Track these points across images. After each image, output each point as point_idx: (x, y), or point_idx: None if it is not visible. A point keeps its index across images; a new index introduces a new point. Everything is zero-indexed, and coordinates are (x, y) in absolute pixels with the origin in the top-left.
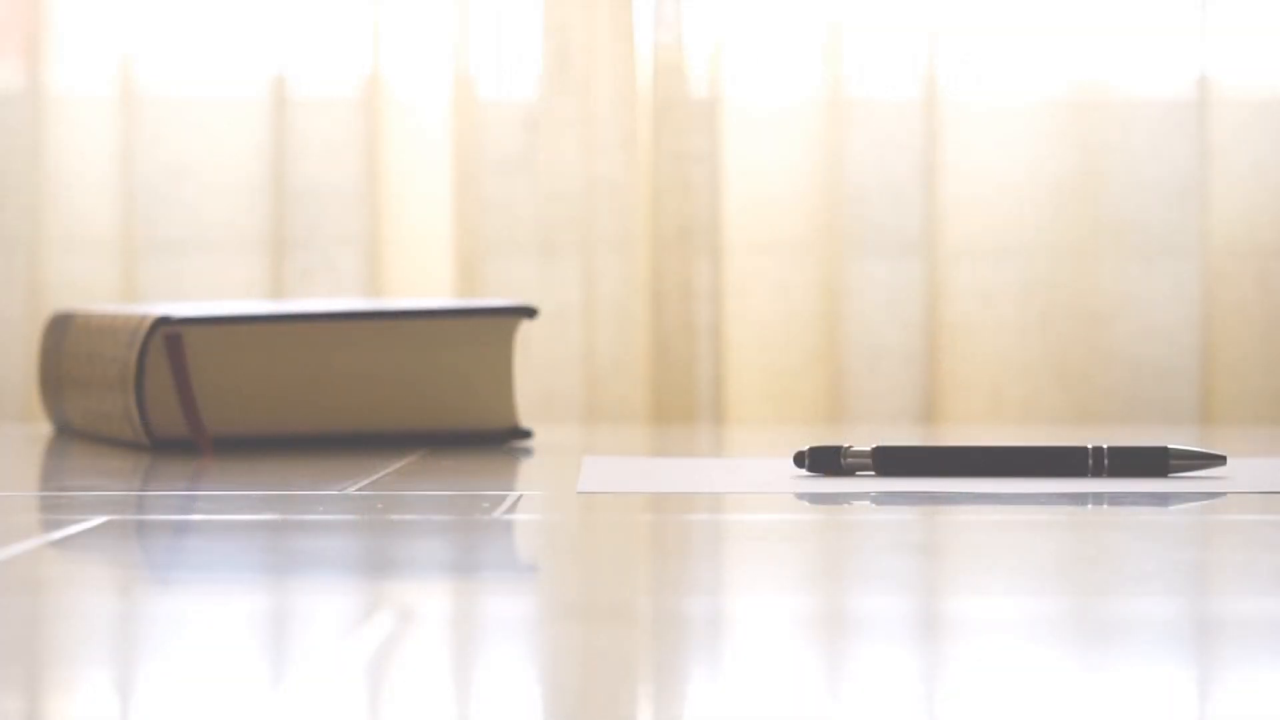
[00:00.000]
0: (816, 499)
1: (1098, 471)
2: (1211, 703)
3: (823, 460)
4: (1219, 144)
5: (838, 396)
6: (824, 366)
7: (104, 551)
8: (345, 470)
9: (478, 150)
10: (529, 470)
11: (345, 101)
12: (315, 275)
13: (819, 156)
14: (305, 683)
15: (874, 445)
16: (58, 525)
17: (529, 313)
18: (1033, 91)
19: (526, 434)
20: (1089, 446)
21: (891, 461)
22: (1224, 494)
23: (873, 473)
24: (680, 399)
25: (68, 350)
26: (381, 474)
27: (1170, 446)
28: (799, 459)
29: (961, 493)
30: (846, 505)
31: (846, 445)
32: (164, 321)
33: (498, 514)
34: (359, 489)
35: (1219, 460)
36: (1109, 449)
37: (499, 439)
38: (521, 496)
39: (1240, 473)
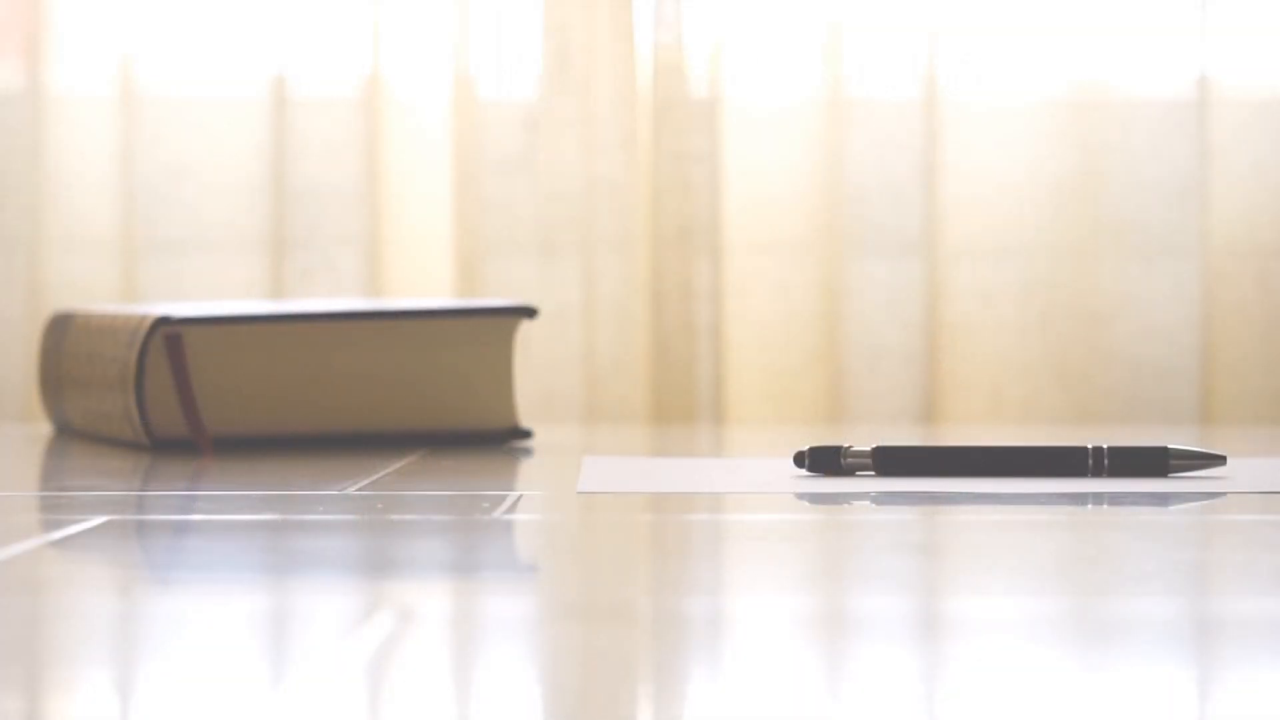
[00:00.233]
0: (816, 499)
1: (1098, 471)
2: (1211, 703)
3: (823, 460)
4: (1219, 144)
5: (838, 396)
6: (824, 366)
7: (104, 551)
8: (345, 470)
9: (478, 150)
10: (529, 470)
11: (345, 101)
12: (315, 275)
13: (819, 156)
14: (305, 683)
15: (874, 445)
16: (58, 525)
17: (529, 313)
18: (1033, 91)
19: (526, 434)
20: (1089, 446)
21: (891, 461)
22: (1224, 494)
23: (873, 473)
24: (680, 399)
25: (68, 350)
26: (381, 474)
27: (1170, 446)
28: (799, 459)
29: (961, 493)
30: (846, 505)
31: (846, 445)
32: (164, 321)
33: (498, 514)
34: (359, 489)
35: (1219, 460)
36: (1109, 449)
37: (499, 439)
38: (521, 496)
39: (1240, 473)
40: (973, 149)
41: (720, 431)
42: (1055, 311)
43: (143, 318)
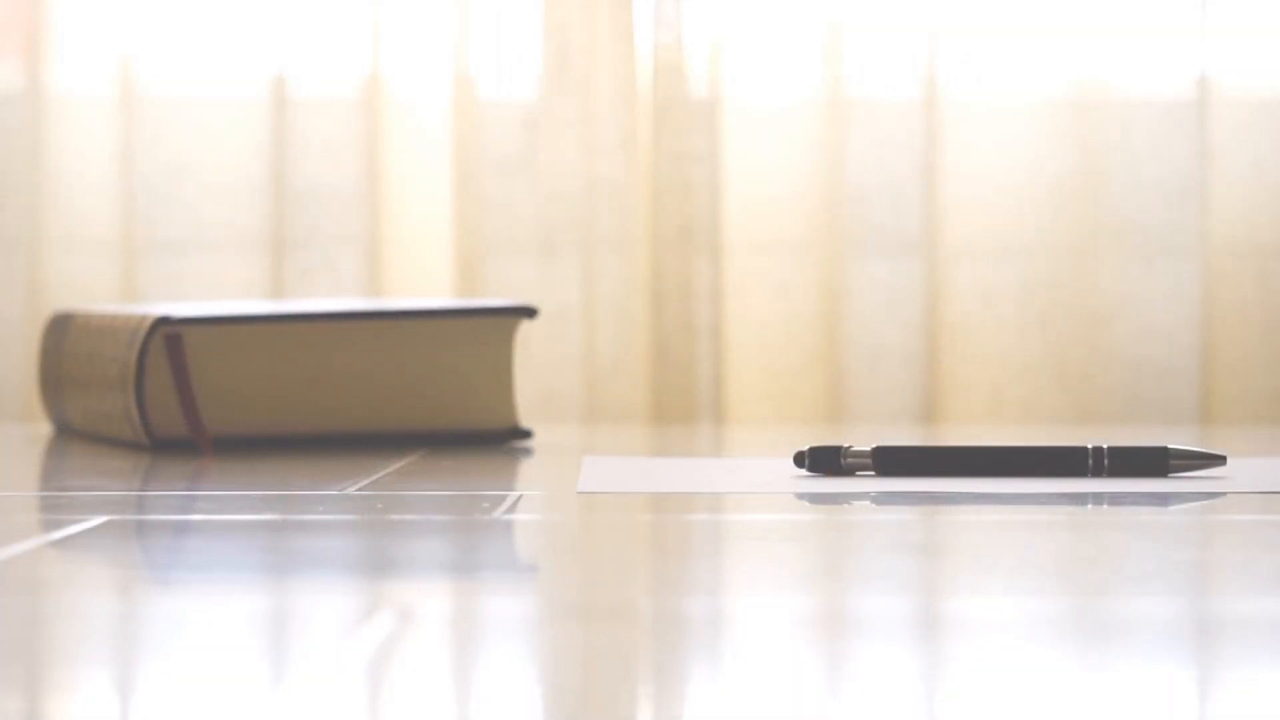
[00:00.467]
0: (816, 499)
1: (1098, 471)
2: (1211, 703)
3: (823, 460)
4: (1219, 144)
5: (838, 396)
6: (824, 366)
7: (104, 551)
8: (345, 470)
9: (478, 150)
10: (529, 470)
11: (345, 101)
12: (315, 275)
13: (819, 156)
14: (305, 683)
15: (874, 445)
16: (58, 525)
17: (529, 313)
18: (1033, 91)
19: (526, 434)
20: (1089, 446)
21: (891, 461)
22: (1224, 494)
23: (873, 473)
24: (680, 399)
25: (68, 350)
26: (381, 474)
27: (1170, 446)
28: (799, 459)
29: (961, 493)
30: (846, 505)
31: (846, 445)
32: (164, 321)
33: (498, 514)
34: (359, 489)
35: (1219, 460)
36: (1109, 449)
37: (499, 439)
38: (521, 496)
39: (1240, 473)
40: (973, 149)
41: (720, 431)
42: (1055, 311)
43: (143, 318)
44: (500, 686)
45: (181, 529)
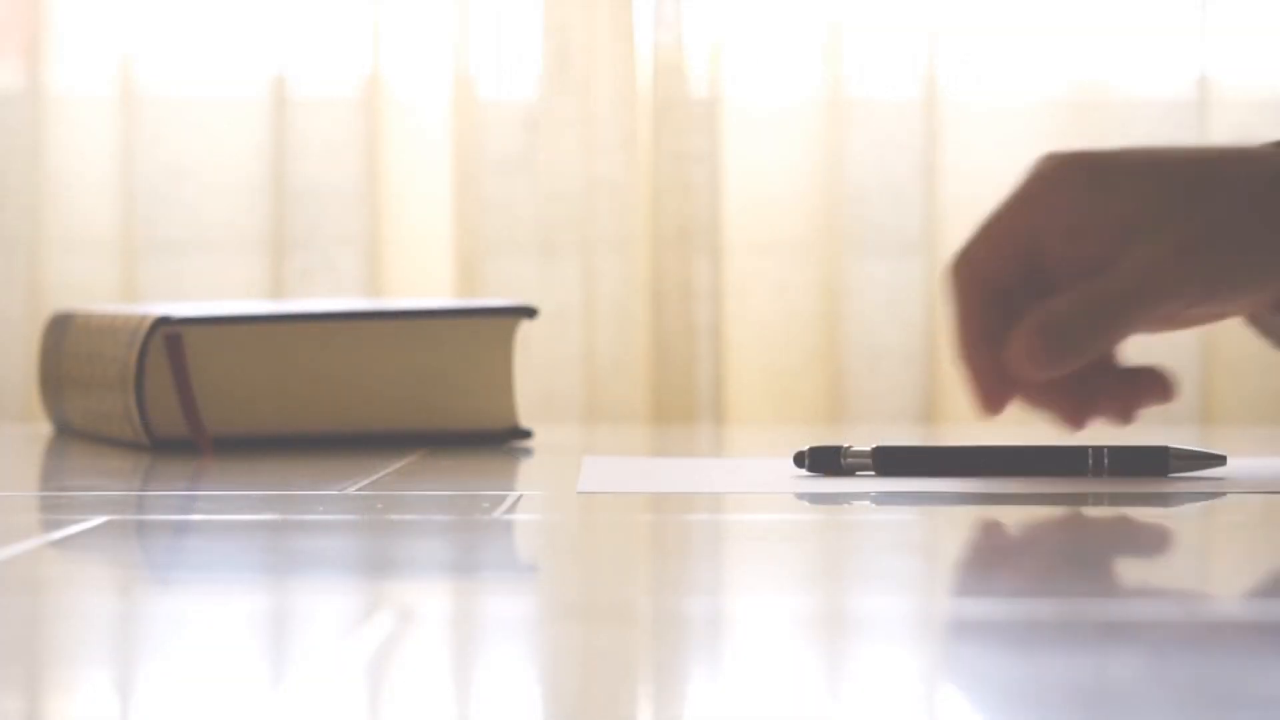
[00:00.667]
0: (816, 499)
1: (1098, 471)
2: (1212, 702)
3: (823, 460)
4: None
5: (838, 396)
6: (824, 366)
7: (104, 551)
8: (345, 470)
9: (478, 150)
10: (529, 470)
11: (345, 101)
12: (315, 275)
13: (819, 156)
14: (305, 683)
15: (874, 445)
16: (58, 525)
17: (529, 313)
18: (1033, 91)
19: (526, 434)
20: (1089, 446)
21: (891, 461)
22: (1224, 494)
23: (873, 473)
24: (680, 399)
25: (68, 350)
26: (381, 474)
27: (1170, 446)
28: (799, 459)
29: (961, 493)
30: (846, 505)
31: (846, 445)
32: (164, 321)
33: (498, 514)
34: (359, 489)
35: (1219, 460)
36: (1109, 449)
37: (499, 439)
38: (521, 496)
39: (1240, 472)
40: (973, 149)
41: (720, 431)
42: None
43: (143, 318)
44: (500, 686)
45: (181, 529)
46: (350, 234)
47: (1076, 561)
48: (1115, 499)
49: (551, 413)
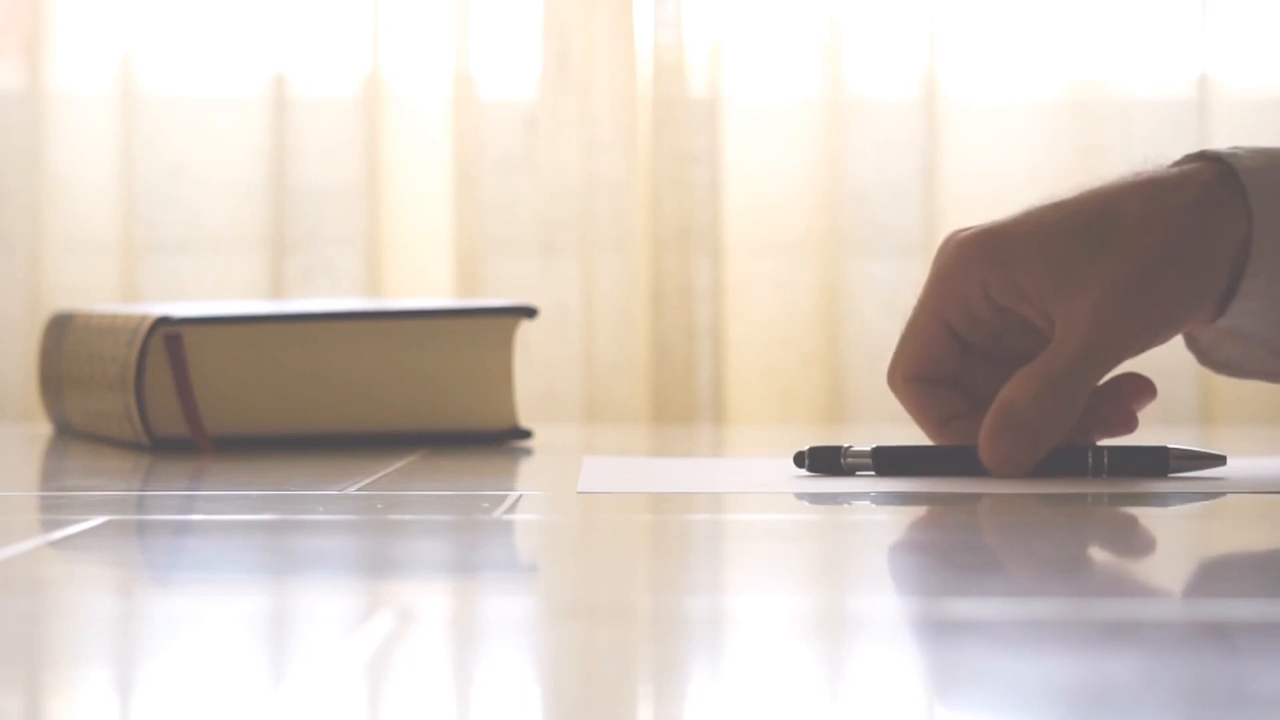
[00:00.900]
0: (816, 499)
1: (1098, 472)
2: (1212, 702)
3: (823, 460)
4: (1219, 144)
5: (838, 396)
6: (824, 366)
7: (104, 551)
8: (345, 470)
9: (478, 150)
10: (529, 470)
11: (345, 101)
12: (315, 275)
13: (819, 156)
14: (305, 683)
15: (874, 445)
16: (58, 525)
17: (529, 313)
18: (1032, 91)
19: (526, 434)
20: (1089, 447)
21: (891, 461)
22: (1224, 494)
23: (873, 472)
24: (680, 399)
25: (68, 350)
26: (381, 474)
27: (1170, 447)
28: (799, 459)
29: (962, 493)
30: (846, 505)
31: (846, 446)
32: (164, 321)
33: (498, 514)
34: (359, 489)
35: (1219, 460)
36: (1109, 449)
37: (499, 439)
38: (521, 496)
39: (1240, 472)
40: (973, 149)
41: (720, 431)
42: None
43: (143, 318)
44: (500, 686)
45: (181, 529)
46: (350, 234)
47: (1076, 561)
48: (1115, 499)
49: (551, 413)
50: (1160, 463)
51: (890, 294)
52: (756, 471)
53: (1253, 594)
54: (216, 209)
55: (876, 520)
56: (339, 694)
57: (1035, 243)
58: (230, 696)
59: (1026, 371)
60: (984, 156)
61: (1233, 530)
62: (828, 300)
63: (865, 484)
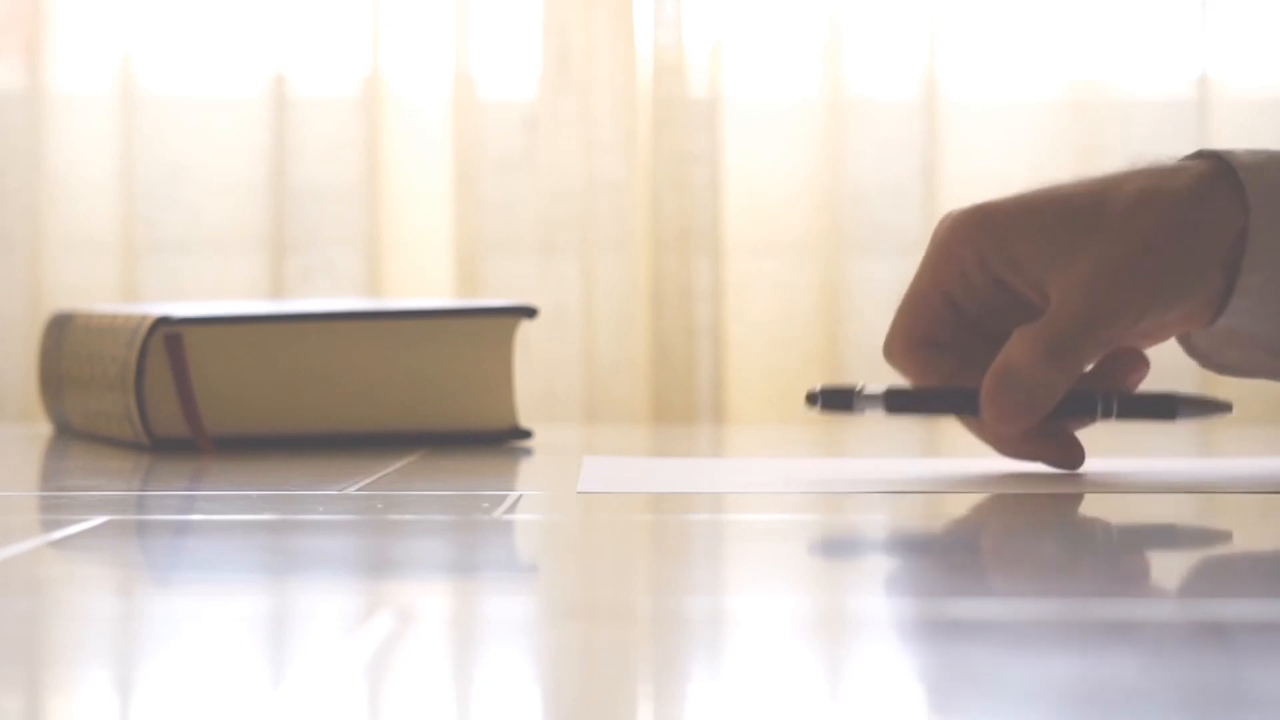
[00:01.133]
0: (817, 499)
1: (1106, 415)
2: (1212, 702)
3: (835, 399)
4: (1219, 144)
5: None
6: (824, 366)
7: (104, 551)
8: (345, 470)
9: (478, 150)
10: (529, 470)
11: (345, 101)
12: (315, 275)
13: (819, 156)
14: (305, 683)
15: (886, 387)
16: (58, 525)
17: (529, 313)
18: (1032, 91)
19: (526, 434)
20: (1098, 391)
21: (902, 401)
22: (1224, 494)
23: (883, 411)
24: (680, 399)
25: (68, 350)
26: (381, 474)
27: (1178, 393)
28: (811, 398)
29: (962, 494)
30: (846, 505)
31: (859, 386)
32: (164, 321)
33: (498, 514)
34: (359, 489)
35: (1225, 407)
36: (1118, 393)
37: (499, 439)
38: (521, 496)
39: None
40: (973, 149)
41: (720, 431)
42: None
43: (143, 318)
44: (500, 686)
45: (181, 529)
46: (350, 234)
47: (1076, 561)
48: (1114, 499)
49: (551, 413)
50: (1168, 408)
51: (890, 294)
52: (756, 471)
53: (1253, 594)
54: (216, 209)
55: (876, 520)
56: (339, 694)
57: (1031, 217)
58: (230, 696)
59: (1026, 331)
60: (984, 156)
61: (1233, 530)
62: (828, 300)
63: (865, 485)
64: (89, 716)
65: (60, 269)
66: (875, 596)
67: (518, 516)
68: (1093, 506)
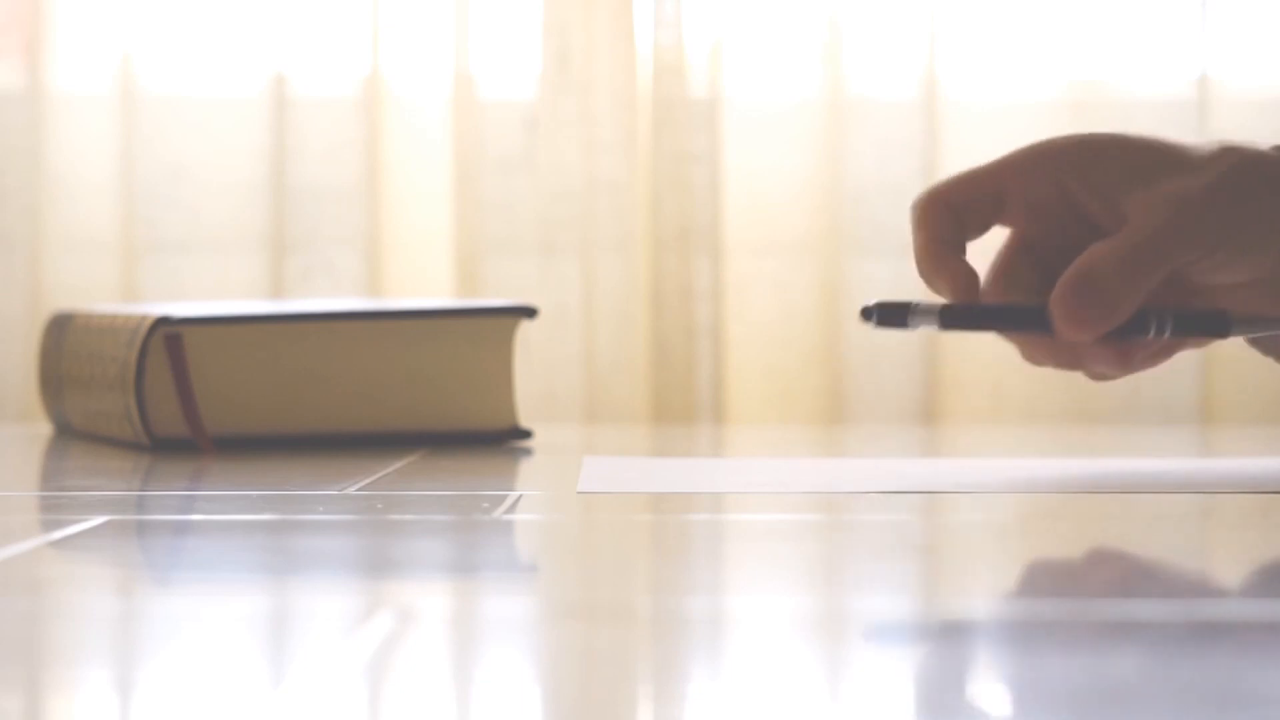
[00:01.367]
0: (817, 499)
1: (1160, 331)
2: (1212, 702)
3: (891, 315)
4: None
5: (838, 396)
6: (824, 366)
7: (104, 551)
8: (345, 470)
9: (478, 150)
10: (529, 470)
11: (345, 101)
12: (315, 275)
13: (819, 156)
14: (305, 683)
15: (942, 304)
16: (58, 525)
17: (529, 313)
18: (1032, 91)
19: (526, 434)
20: (1152, 308)
21: (958, 317)
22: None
23: (938, 326)
24: (680, 399)
25: (68, 350)
26: (381, 474)
27: (1230, 312)
28: (866, 313)
29: (961, 493)
30: (846, 505)
31: (915, 301)
32: (164, 321)
33: (498, 514)
34: (359, 489)
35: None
36: (1172, 310)
37: (499, 439)
38: (521, 496)
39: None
40: (973, 149)
41: (720, 431)
42: None
43: (143, 318)
44: (500, 686)
45: (181, 529)
46: (350, 234)
47: (1076, 561)
48: (1115, 499)
49: (551, 413)
50: (1221, 325)
51: (890, 294)
52: (756, 471)
53: (1253, 594)
54: (216, 209)
55: (876, 520)
56: (339, 694)
57: (1118, 147)
58: (230, 696)
59: (1103, 243)
60: (984, 156)
61: (1233, 530)
62: (828, 300)
63: (864, 484)
64: (89, 716)
65: (60, 269)
66: (875, 596)
67: (518, 516)
68: (1092, 506)
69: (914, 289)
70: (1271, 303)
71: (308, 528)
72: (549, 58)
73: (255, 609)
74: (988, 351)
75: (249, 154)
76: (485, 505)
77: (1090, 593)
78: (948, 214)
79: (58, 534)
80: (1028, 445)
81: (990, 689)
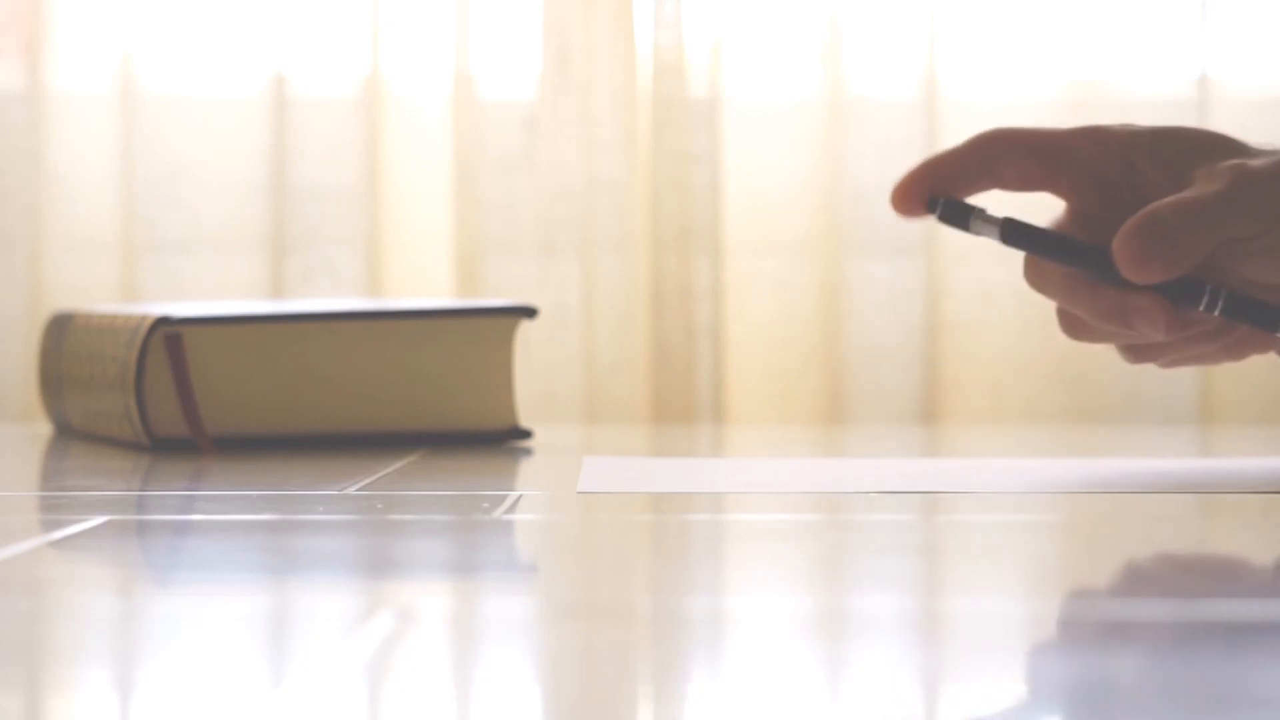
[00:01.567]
0: (817, 499)
1: (1211, 307)
2: (1212, 702)
3: (954, 213)
4: None
5: (838, 396)
6: (824, 366)
7: (104, 551)
8: (345, 470)
9: (478, 150)
10: (529, 470)
11: (345, 101)
12: (315, 275)
13: (819, 156)
14: (305, 683)
15: (1004, 216)
16: (58, 525)
17: (529, 313)
18: (1032, 91)
19: (526, 434)
20: (1208, 284)
21: (1018, 234)
22: (1224, 494)
23: (998, 238)
24: (680, 399)
25: (68, 350)
26: (381, 474)
27: None
28: (932, 205)
29: (961, 493)
30: (846, 505)
31: (981, 207)
32: (164, 321)
33: (498, 514)
34: (359, 489)
35: None
36: (1226, 291)
37: (499, 439)
38: (521, 496)
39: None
40: None
41: (720, 431)
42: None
43: (143, 318)
44: (500, 686)
45: (181, 529)
46: (350, 234)
47: (1076, 562)
48: (1114, 499)
49: (551, 413)
50: (1273, 318)
51: (890, 294)
52: (756, 471)
53: (1253, 594)
54: (216, 209)
55: (877, 520)
56: (339, 694)
57: (1187, 131)
58: (230, 696)
59: (1170, 198)
60: None
61: (1233, 530)
62: (828, 300)
63: (864, 484)
64: (89, 716)
65: (60, 269)
66: (875, 596)
67: (518, 516)
68: (1092, 506)
69: (914, 289)
70: None
71: (308, 528)
72: (549, 58)
73: (255, 609)
74: (988, 351)
75: (249, 154)
76: (485, 505)
77: (1090, 592)
78: (1020, 150)
79: (58, 534)
80: (1028, 445)
81: (990, 689)
